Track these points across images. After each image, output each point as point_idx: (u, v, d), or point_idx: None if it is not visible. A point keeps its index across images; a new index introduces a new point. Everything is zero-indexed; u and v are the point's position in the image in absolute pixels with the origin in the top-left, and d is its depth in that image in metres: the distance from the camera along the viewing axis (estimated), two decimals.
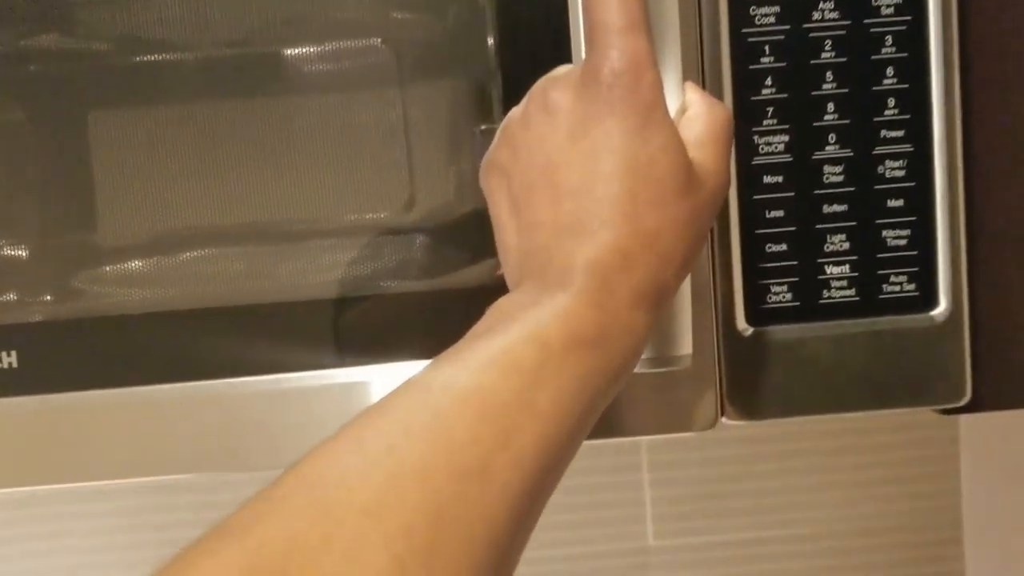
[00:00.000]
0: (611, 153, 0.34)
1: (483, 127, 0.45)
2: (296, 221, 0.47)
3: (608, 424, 0.38)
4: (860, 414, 0.80)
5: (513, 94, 0.40)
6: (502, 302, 0.35)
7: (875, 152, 0.45)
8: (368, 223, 0.47)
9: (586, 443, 0.87)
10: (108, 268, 0.46)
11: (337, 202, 0.47)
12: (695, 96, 0.39)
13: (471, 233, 0.46)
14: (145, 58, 0.45)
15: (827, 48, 0.44)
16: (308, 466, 0.29)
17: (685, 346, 0.40)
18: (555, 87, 0.36)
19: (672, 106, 0.36)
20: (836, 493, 0.83)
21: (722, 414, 0.45)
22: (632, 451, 0.82)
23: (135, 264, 0.46)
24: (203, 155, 0.46)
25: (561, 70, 0.38)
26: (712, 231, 0.44)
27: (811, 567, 0.84)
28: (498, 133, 0.39)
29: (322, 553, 0.27)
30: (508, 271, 0.37)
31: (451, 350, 0.33)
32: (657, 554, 0.83)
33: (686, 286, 0.39)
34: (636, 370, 0.41)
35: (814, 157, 0.45)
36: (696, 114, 0.37)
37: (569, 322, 0.32)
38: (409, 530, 0.27)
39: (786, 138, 0.44)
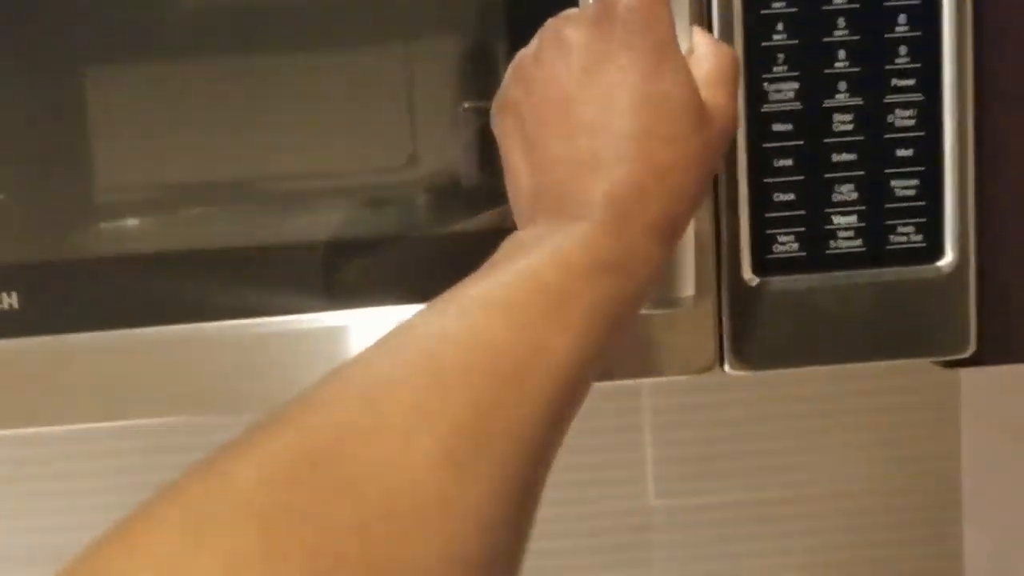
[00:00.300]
0: (626, 89, 0.35)
1: (467, 104, 0.45)
2: (296, 175, 0.47)
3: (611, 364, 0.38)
4: (864, 369, 0.80)
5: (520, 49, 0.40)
6: (519, 234, 0.36)
7: (885, 101, 0.44)
8: (370, 178, 0.47)
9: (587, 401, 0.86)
10: (108, 210, 0.46)
11: (338, 156, 0.47)
12: (702, 38, 0.39)
13: (474, 189, 0.46)
14: (145, 8, 0.45)
15: None
16: (348, 370, 0.30)
17: (687, 288, 0.40)
18: (568, 24, 0.37)
19: (680, 48, 0.36)
20: (837, 454, 0.83)
21: (725, 364, 0.44)
22: (633, 411, 0.82)
23: (134, 208, 0.46)
24: (204, 105, 0.46)
25: (572, 10, 0.38)
26: (718, 180, 0.44)
27: (811, 528, 0.84)
28: (509, 72, 0.39)
29: (374, 437, 0.27)
30: (520, 212, 0.38)
31: (473, 276, 0.34)
32: (658, 514, 0.83)
33: (689, 230, 0.39)
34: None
35: (824, 105, 0.44)
36: (704, 54, 0.38)
37: (589, 248, 0.33)
38: (456, 424, 0.28)
39: (796, 85, 0.44)
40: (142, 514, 0.26)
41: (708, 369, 0.44)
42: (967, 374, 0.82)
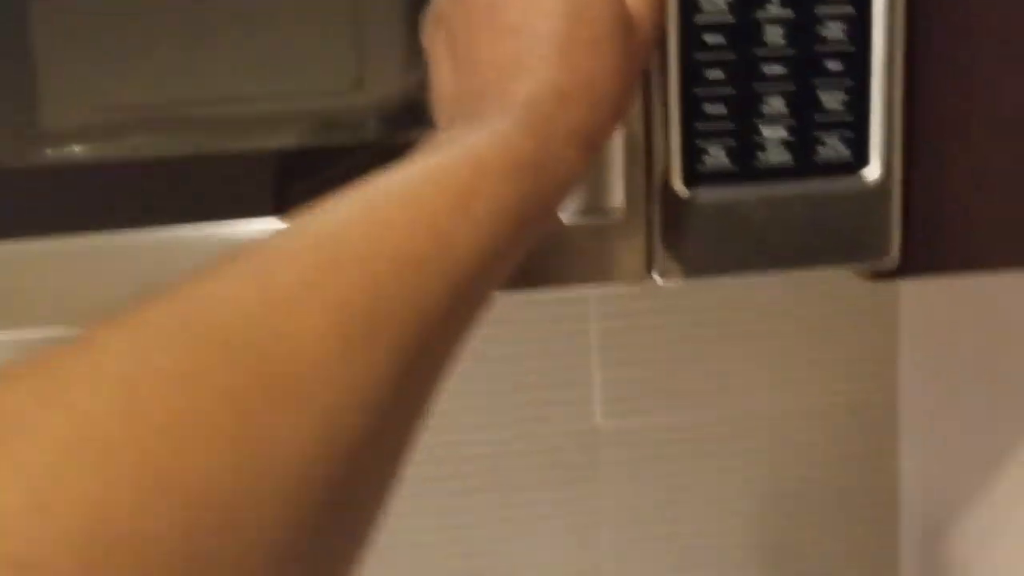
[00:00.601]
0: None
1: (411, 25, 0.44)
2: (242, 98, 0.47)
3: (540, 272, 0.39)
4: (808, 292, 0.81)
5: None
6: (436, 134, 0.36)
7: (816, 13, 0.45)
8: (316, 102, 0.47)
9: (533, 322, 0.87)
10: (50, 134, 0.45)
11: (284, 80, 0.47)
12: None
13: (421, 110, 0.46)
14: None
15: None
16: (245, 249, 0.29)
17: (617, 198, 0.40)
18: None
19: None
20: (780, 374, 0.85)
21: (654, 273, 0.45)
22: (582, 334, 0.83)
23: (76, 131, 0.46)
24: (150, 29, 0.45)
25: None
26: (650, 91, 0.44)
27: (754, 447, 0.86)
28: None
29: (259, 308, 0.27)
30: (440, 116, 0.38)
31: (385, 171, 0.33)
32: (605, 434, 0.85)
33: (618, 141, 0.40)
34: (569, 222, 0.42)
35: (755, 17, 0.45)
36: None
37: (505, 147, 0.33)
38: (347, 304, 0.28)
39: None
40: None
41: (638, 279, 0.45)
42: (906, 294, 0.84)
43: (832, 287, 0.83)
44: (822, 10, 0.45)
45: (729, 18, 0.45)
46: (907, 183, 0.47)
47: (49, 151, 0.46)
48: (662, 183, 0.45)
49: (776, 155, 0.46)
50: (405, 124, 0.47)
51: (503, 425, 0.84)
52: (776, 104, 0.45)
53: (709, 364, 0.84)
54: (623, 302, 0.83)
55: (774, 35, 0.45)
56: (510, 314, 0.82)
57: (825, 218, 0.46)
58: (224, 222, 0.45)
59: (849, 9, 0.45)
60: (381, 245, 0.30)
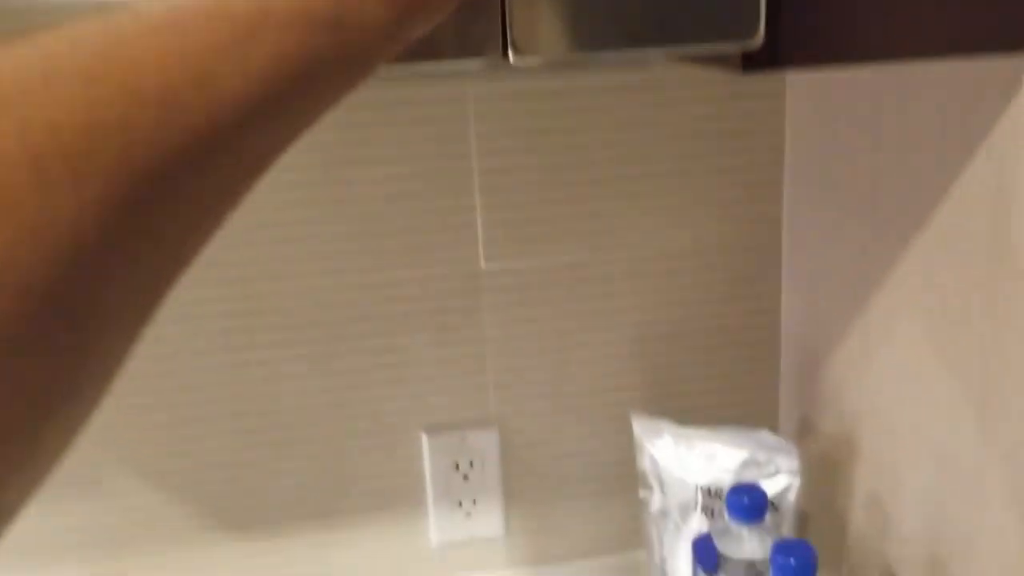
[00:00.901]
0: None
1: None
2: None
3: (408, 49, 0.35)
4: (694, 129, 0.79)
5: None
6: None
7: None
8: None
9: (414, 159, 0.84)
10: None
11: None
12: None
13: None
14: None
15: None
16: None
17: None
18: None
19: None
20: (663, 216, 0.84)
21: (511, 51, 0.43)
22: (465, 173, 0.80)
23: None
24: None
25: None
26: None
27: (637, 288, 0.86)
28: None
29: None
30: None
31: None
32: (488, 277, 0.83)
33: None
34: None
35: None
36: None
37: None
38: (55, 128, 0.25)
39: None
40: None
41: (494, 58, 0.42)
42: (792, 129, 0.83)
43: (710, 123, 0.82)
44: None
45: None
46: None
47: None
48: None
49: None
50: None
51: (380, 267, 0.81)
52: None
53: (592, 204, 0.83)
54: (503, 144, 0.80)
55: None
56: (389, 154, 0.79)
57: None
58: None
59: None
60: (112, 72, 0.26)
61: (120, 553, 0.84)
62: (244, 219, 0.78)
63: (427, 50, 0.41)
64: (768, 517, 0.73)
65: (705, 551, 0.71)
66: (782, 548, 0.61)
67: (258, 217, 0.79)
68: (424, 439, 0.86)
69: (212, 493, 0.84)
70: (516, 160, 0.81)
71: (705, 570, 0.70)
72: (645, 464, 0.81)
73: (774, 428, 0.91)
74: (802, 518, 0.91)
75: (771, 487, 0.75)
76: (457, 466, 0.87)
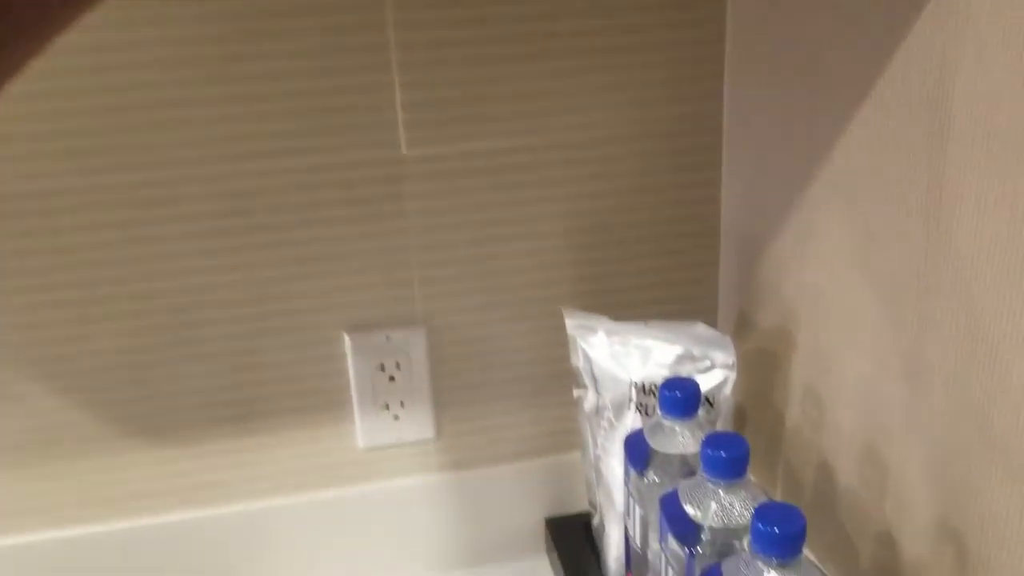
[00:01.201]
0: None
1: None
2: None
3: None
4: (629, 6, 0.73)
5: None
6: None
7: None
8: None
9: (330, 52, 0.76)
10: None
11: None
12: None
13: None
14: None
15: None
16: None
17: None
18: None
19: None
20: (596, 98, 0.79)
21: None
22: (381, 48, 0.74)
23: None
24: None
25: None
26: None
27: (569, 176, 0.81)
28: None
29: None
30: None
31: None
32: (410, 164, 0.77)
33: None
34: None
35: None
36: None
37: None
38: None
39: None
40: None
41: None
42: (733, 16, 0.78)
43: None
44: None
45: None
46: None
47: None
48: None
49: None
50: None
51: (298, 152, 0.75)
52: None
53: (519, 85, 0.77)
54: (424, 16, 0.74)
55: None
56: (308, 45, 0.72)
57: None
58: None
59: None
60: None
61: (26, 461, 0.79)
62: (145, 98, 0.72)
63: None
64: (702, 412, 0.70)
65: (636, 448, 0.67)
66: (712, 440, 0.58)
67: (158, 95, 0.72)
68: (346, 339, 0.81)
69: (119, 398, 0.79)
70: (438, 34, 0.74)
71: (635, 467, 0.67)
72: (579, 362, 0.77)
73: (713, 322, 0.87)
74: (739, 413, 0.88)
75: (706, 382, 0.72)
76: (383, 367, 0.83)
